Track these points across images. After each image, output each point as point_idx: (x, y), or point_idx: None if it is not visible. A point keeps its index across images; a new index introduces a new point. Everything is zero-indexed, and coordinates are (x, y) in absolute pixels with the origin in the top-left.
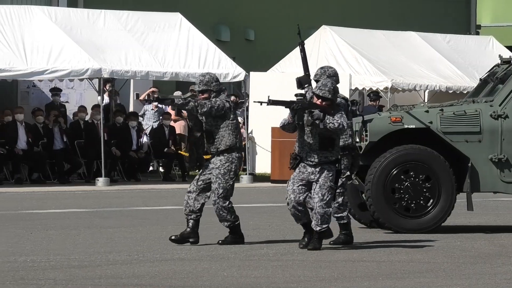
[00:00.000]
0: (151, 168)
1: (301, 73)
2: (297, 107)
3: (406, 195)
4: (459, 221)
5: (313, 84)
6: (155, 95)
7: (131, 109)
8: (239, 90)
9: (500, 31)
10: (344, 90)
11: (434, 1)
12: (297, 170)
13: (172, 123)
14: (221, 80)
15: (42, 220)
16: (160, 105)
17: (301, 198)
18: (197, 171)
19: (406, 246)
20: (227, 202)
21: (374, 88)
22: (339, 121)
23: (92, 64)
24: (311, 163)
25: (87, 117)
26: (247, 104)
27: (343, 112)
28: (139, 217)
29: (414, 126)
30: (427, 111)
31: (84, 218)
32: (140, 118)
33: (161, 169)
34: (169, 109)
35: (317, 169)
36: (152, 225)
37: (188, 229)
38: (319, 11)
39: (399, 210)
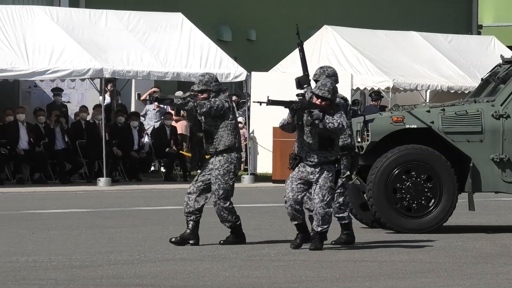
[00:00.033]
0: (152, 168)
1: (301, 73)
2: (297, 107)
3: (408, 195)
4: (460, 221)
5: (313, 84)
6: (155, 95)
7: (132, 109)
8: (240, 90)
9: (501, 31)
10: (345, 90)
11: (436, 1)
12: (296, 169)
13: (173, 123)
14: (223, 80)
15: (43, 220)
16: (161, 105)
17: (299, 197)
18: (198, 171)
19: (407, 246)
20: (228, 202)
21: (376, 88)
22: (338, 121)
23: (94, 64)
24: (310, 163)
25: (89, 117)
26: (248, 104)
27: (342, 112)
28: (141, 217)
29: (415, 126)
30: (428, 111)
31: (86, 218)
32: (142, 118)
33: (162, 169)
34: (170, 109)
35: (317, 169)
36: (153, 225)
37: (188, 231)
38: (320, 11)
39: (400, 210)
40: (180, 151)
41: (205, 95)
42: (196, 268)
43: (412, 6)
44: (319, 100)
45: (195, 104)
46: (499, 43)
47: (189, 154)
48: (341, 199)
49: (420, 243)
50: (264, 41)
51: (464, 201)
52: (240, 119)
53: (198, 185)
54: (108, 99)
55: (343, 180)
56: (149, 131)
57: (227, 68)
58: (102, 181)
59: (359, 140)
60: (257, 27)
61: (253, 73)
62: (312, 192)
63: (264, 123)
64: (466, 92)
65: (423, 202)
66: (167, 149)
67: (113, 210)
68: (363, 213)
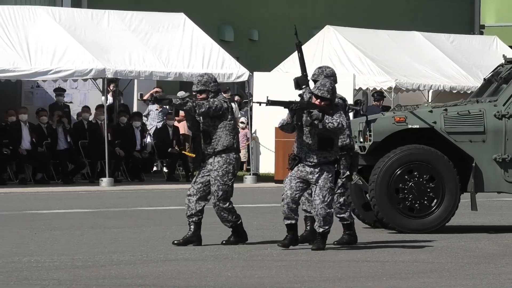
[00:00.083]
0: (155, 168)
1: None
2: (296, 107)
3: (410, 195)
4: (463, 221)
5: (311, 84)
6: (154, 95)
7: (135, 109)
8: (242, 90)
9: (504, 31)
10: (348, 90)
11: (438, 1)
12: (295, 168)
13: (176, 123)
14: (225, 80)
15: (46, 220)
16: (161, 106)
17: (297, 195)
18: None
19: (410, 246)
20: (227, 203)
21: (378, 88)
22: (338, 121)
23: (96, 65)
24: (310, 164)
25: (91, 117)
26: (250, 104)
27: (342, 112)
28: (143, 217)
29: (418, 126)
30: (431, 111)
31: (88, 218)
32: (145, 118)
33: (165, 169)
34: (169, 109)
35: (316, 170)
36: (156, 225)
37: (190, 233)
38: (323, 11)
39: (403, 210)
40: (183, 151)
41: (203, 95)
42: (199, 268)
43: (414, 6)
44: (319, 100)
45: (194, 104)
46: (502, 43)
47: (191, 154)
48: (341, 199)
49: (423, 243)
50: (266, 41)
51: (466, 201)
52: (242, 119)
53: (198, 187)
54: (110, 99)
55: (343, 180)
56: (151, 131)
57: (229, 68)
58: (105, 181)
59: (361, 140)
60: (259, 27)
61: (255, 73)
62: (312, 194)
63: (266, 123)
64: (469, 92)
65: (425, 202)
66: (169, 149)
67: (115, 210)
68: (366, 213)
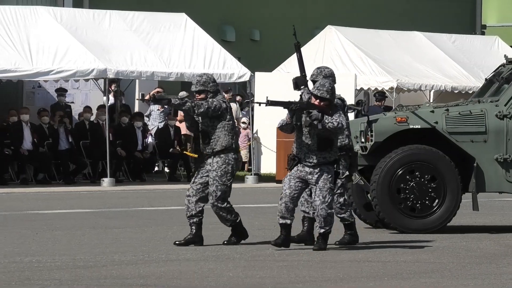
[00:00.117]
0: (156, 169)
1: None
2: (295, 108)
3: (412, 195)
4: (464, 221)
5: (310, 84)
6: (146, 95)
7: (136, 109)
8: (244, 90)
9: (505, 31)
10: (349, 90)
11: (440, 1)
12: (295, 168)
13: (177, 124)
14: (226, 81)
15: (47, 220)
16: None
17: (295, 195)
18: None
19: (411, 246)
20: (225, 203)
21: (380, 88)
22: (337, 120)
23: (98, 65)
24: (309, 164)
25: (93, 118)
26: (252, 104)
27: (341, 112)
28: (145, 218)
29: (419, 126)
30: (432, 111)
31: (90, 218)
32: (146, 119)
33: (166, 170)
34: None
35: (316, 170)
36: (157, 225)
37: (191, 235)
38: (324, 11)
39: (404, 210)
40: (184, 152)
41: (202, 96)
42: (200, 269)
43: (416, 6)
44: (318, 100)
45: (193, 104)
46: (503, 43)
47: (193, 155)
48: (341, 199)
49: (424, 243)
50: (267, 41)
51: (468, 201)
52: (244, 119)
53: (197, 187)
54: (112, 99)
55: (342, 180)
56: (153, 132)
57: (231, 68)
58: (106, 181)
59: (363, 140)
60: (260, 27)
61: (256, 73)
62: (312, 195)
63: (267, 123)
64: (470, 92)
65: (427, 202)
66: (171, 150)
67: (117, 211)
68: (367, 213)
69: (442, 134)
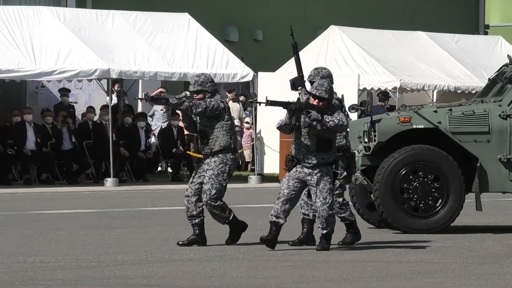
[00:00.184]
0: (159, 169)
1: (306, 73)
2: (295, 108)
3: (415, 195)
4: (467, 221)
5: (307, 85)
6: (150, 95)
7: (139, 109)
8: (247, 90)
9: (508, 31)
10: (352, 90)
11: (443, 1)
12: (293, 169)
13: (180, 124)
14: (229, 81)
15: (50, 220)
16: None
17: (293, 195)
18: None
19: (414, 246)
20: (219, 201)
21: (383, 88)
22: (338, 118)
23: (101, 65)
24: (308, 165)
25: (96, 118)
26: (255, 104)
27: (339, 111)
28: (148, 218)
29: (422, 126)
30: (435, 111)
31: (93, 218)
32: (150, 119)
33: (169, 170)
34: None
35: (315, 171)
36: (160, 225)
37: (195, 235)
38: (327, 11)
39: (407, 210)
40: (187, 152)
41: (200, 96)
42: (204, 269)
43: (419, 6)
44: (317, 100)
45: (191, 104)
46: (506, 43)
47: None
48: (340, 199)
49: (427, 243)
50: (270, 41)
51: (471, 201)
52: (247, 119)
53: (196, 187)
54: (115, 99)
55: (340, 181)
56: (156, 132)
57: (234, 69)
58: (109, 181)
59: (366, 140)
60: (263, 27)
61: (259, 73)
62: (312, 196)
63: (271, 123)
64: (473, 92)
65: (430, 202)
66: (174, 150)
67: (120, 211)
68: (370, 213)
69: (445, 134)
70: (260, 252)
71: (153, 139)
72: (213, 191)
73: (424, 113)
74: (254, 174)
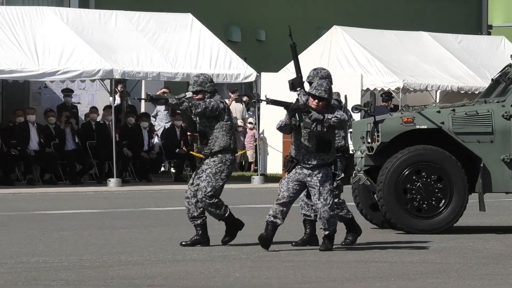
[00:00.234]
0: (162, 169)
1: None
2: (295, 107)
3: (418, 195)
4: (471, 221)
5: (306, 85)
6: (149, 94)
7: (142, 110)
8: (250, 90)
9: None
10: (355, 90)
11: (446, 2)
12: (293, 171)
13: (183, 124)
14: (232, 81)
15: (54, 220)
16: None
17: (292, 198)
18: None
19: (418, 247)
20: (214, 199)
21: (386, 89)
22: (339, 114)
23: (104, 65)
24: (308, 166)
25: (99, 118)
26: (258, 104)
27: (339, 110)
28: (151, 218)
29: (426, 127)
30: (438, 112)
31: (96, 219)
32: (153, 119)
33: (172, 170)
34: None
35: (315, 172)
36: (163, 225)
37: (198, 236)
38: (330, 11)
39: (411, 210)
40: (190, 152)
41: (200, 96)
42: (207, 269)
43: (422, 7)
44: (316, 100)
45: (190, 104)
46: (509, 43)
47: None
48: (335, 200)
49: (431, 243)
50: (273, 41)
51: (474, 201)
52: (250, 119)
53: (195, 189)
54: (118, 100)
55: (338, 182)
56: (159, 132)
57: (237, 69)
58: (112, 181)
59: (369, 140)
60: (266, 28)
61: (262, 73)
62: (312, 197)
63: (274, 123)
64: (476, 92)
65: (433, 202)
66: (177, 150)
67: (123, 211)
68: (374, 214)
69: (448, 135)
70: (263, 253)
71: (156, 140)
72: (208, 189)
73: (427, 113)
74: (257, 175)
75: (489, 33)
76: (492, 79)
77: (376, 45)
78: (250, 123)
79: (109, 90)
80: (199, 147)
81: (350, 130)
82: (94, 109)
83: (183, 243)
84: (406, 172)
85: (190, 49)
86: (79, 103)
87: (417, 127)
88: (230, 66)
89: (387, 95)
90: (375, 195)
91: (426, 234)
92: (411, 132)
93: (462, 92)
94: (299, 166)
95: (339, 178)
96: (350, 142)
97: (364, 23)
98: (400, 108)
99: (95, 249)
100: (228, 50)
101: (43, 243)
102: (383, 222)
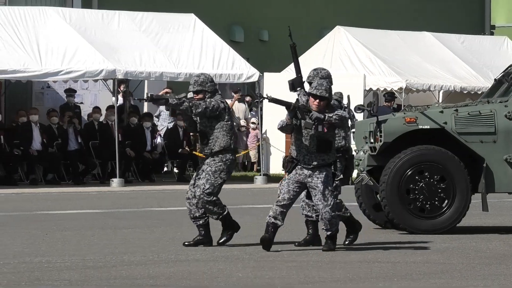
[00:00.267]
0: (165, 169)
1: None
2: (296, 107)
3: (421, 195)
4: (474, 221)
5: (306, 86)
6: (151, 94)
7: (145, 110)
8: (253, 90)
9: None
10: (358, 90)
11: (448, 2)
12: (293, 172)
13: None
14: (235, 81)
15: (57, 221)
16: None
17: (292, 201)
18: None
19: (421, 247)
20: (212, 196)
21: (389, 89)
22: (340, 112)
23: (107, 65)
24: (309, 166)
25: (102, 118)
26: (261, 104)
27: (339, 109)
28: (154, 218)
29: (428, 127)
30: (441, 112)
31: (99, 219)
32: (156, 119)
33: (175, 170)
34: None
35: (315, 173)
36: (166, 226)
37: (200, 236)
38: (333, 11)
39: (413, 210)
40: (193, 152)
41: (200, 96)
42: (210, 269)
43: (425, 7)
44: (318, 100)
45: (191, 104)
46: None
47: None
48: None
49: (434, 244)
50: (276, 41)
51: (477, 201)
52: (253, 119)
53: (196, 189)
54: (121, 100)
55: (336, 183)
56: (162, 132)
57: (240, 69)
58: (115, 182)
59: (372, 140)
60: (269, 28)
61: (265, 73)
62: (313, 198)
63: (277, 123)
64: (479, 92)
65: (436, 202)
66: (180, 150)
67: (126, 211)
68: (376, 214)
69: (451, 135)
70: (266, 253)
71: (159, 140)
72: (207, 186)
73: (430, 113)
74: (260, 175)
75: (492, 33)
76: (495, 79)
77: (379, 45)
78: (253, 123)
79: (111, 90)
80: (200, 147)
81: (353, 130)
82: (97, 109)
83: (186, 243)
84: (409, 172)
85: (193, 49)
86: (82, 103)
87: (420, 127)
88: (233, 66)
89: (390, 95)
90: (378, 195)
91: (429, 234)
92: (414, 132)
93: (465, 92)
94: (299, 167)
95: (338, 179)
96: (352, 142)
97: (367, 23)
98: (403, 108)
99: (98, 249)
100: (231, 50)
101: (46, 243)
102: (386, 222)
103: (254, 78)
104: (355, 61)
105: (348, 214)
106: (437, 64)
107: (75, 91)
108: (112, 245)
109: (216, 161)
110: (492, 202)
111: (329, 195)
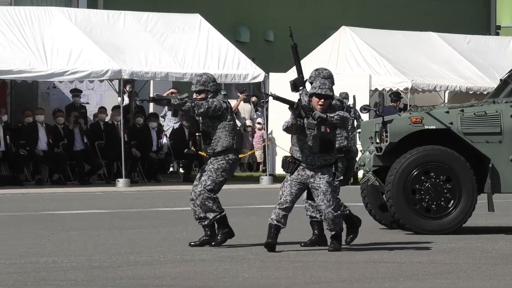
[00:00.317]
0: (171, 169)
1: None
2: (299, 106)
3: (427, 196)
4: (480, 222)
5: (308, 86)
6: (151, 95)
7: (151, 110)
8: (258, 91)
9: None
10: (364, 91)
11: (454, 2)
12: (295, 173)
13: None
14: (241, 81)
15: (63, 221)
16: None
17: (294, 203)
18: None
19: (427, 247)
20: (212, 193)
21: (394, 89)
22: (341, 113)
23: (112, 65)
24: (311, 167)
25: (107, 118)
26: (267, 105)
27: (340, 110)
28: (160, 218)
29: (434, 127)
30: (447, 112)
31: (105, 219)
32: (161, 119)
33: (181, 170)
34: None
35: (318, 173)
36: (172, 226)
37: (206, 236)
38: (338, 11)
39: (419, 211)
40: (199, 152)
41: (202, 95)
42: (216, 269)
43: (430, 7)
44: (322, 100)
45: (193, 104)
46: None
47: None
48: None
49: (440, 244)
50: (282, 42)
51: (483, 202)
52: (259, 120)
53: None
54: (126, 100)
55: (336, 183)
56: (168, 132)
57: (245, 69)
58: (121, 182)
59: (377, 141)
60: (275, 28)
61: (271, 74)
62: (316, 199)
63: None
64: (485, 93)
65: (442, 203)
66: (185, 150)
67: (132, 211)
68: (382, 214)
69: (457, 135)
70: (272, 253)
71: (164, 140)
72: (208, 182)
73: (435, 113)
74: (266, 175)
75: (497, 34)
76: (500, 80)
77: (384, 46)
78: (259, 123)
79: (117, 90)
80: (203, 147)
81: (359, 130)
82: (102, 109)
83: (192, 243)
84: (415, 173)
85: (199, 50)
86: (87, 103)
87: (426, 127)
88: (239, 66)
89: (396, 96)
90: (383, 196)
91: (435, 235)
92: (420, 133)
93: (471, 92)
94: (301, 167)
95: (338, 179)
96: (358, 142)
97: (372, 24)
98: (408, 108)
99: (104, 249)
100: (237, 51)
101: (52, 243)
102: (391, 223)
103: (260, 78)
104: (360, 62)
105: (347, 211)
106: (443, 64)
107: (81, 91)
108: (118, 245)
109: (218, 160)
110: (498, 202)
111: (331, 195)
